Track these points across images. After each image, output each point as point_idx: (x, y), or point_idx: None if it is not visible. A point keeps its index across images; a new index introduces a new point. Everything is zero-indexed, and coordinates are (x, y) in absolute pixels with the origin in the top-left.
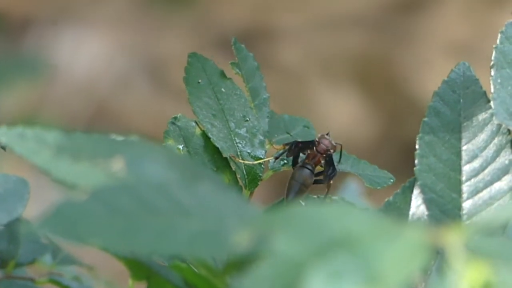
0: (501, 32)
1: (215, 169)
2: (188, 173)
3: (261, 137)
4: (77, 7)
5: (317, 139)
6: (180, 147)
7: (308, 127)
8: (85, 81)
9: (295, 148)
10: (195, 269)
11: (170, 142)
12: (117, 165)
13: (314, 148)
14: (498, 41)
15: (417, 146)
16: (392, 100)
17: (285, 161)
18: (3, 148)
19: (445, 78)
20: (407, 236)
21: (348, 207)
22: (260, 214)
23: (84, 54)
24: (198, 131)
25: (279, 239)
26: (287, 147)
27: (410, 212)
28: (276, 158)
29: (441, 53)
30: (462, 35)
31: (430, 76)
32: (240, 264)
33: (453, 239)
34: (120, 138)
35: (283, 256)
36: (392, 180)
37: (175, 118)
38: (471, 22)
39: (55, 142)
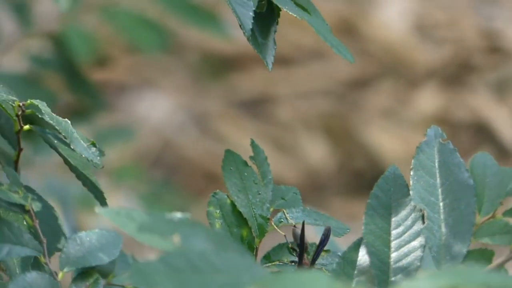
0: (418, 147)
1: (238, 226)
2: (220, 244)
3: (268, 205)
4: (153, 77)
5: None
6: (217, 211)
7: (296, 193)
8: (155, 127)
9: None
10: None
11: (211, 208)
12: (176, 239)
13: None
14: (415, 153)
15: (363, 217)
16: (347, 145)
17: (282, 221)
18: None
19: (382, 176)
20: None
21: (320, 275)
22: (264, 275)
23: (156, 110)
24: (229, 201)
25: None
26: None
27: (358, 259)
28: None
29: (378, 117)
30: (390, 105)
31: (371, 131)
32: None
33: None
34: (178, 217)
35: None
36: (348, 230)
37: (215, 193)
38: (397, 97)
39: (139, 219)
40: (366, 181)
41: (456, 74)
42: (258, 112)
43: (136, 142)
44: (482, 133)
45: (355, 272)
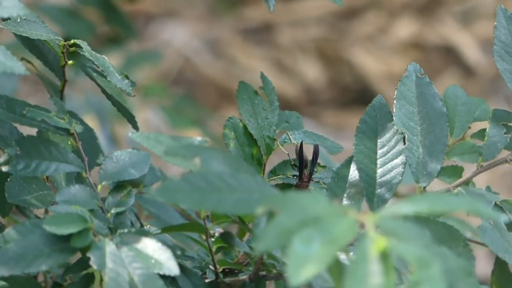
0: (400, 81)
1: (249, 146)
2: (234, 166)
3: (274, 127)
4: (175, 9)
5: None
6: (232, 133)
7: (298, 117)
8: (176, 51)
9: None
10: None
11: (227, 130)
12: (197, 161)
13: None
14: (398, 84)
15: (354, 139)
16: (337, 65)
17: (286, 141)
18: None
19: (370, 104)
20: (348, 216)
21: (318, 196)
22: (272, 193)
23: (177, 36)
24: (241, 124)
25: (280, 213)
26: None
27: (349, 174)
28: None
29: (362, 42)
30: (373, 32)
31: (357, 53)
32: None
33: (370, 220)
34: (198, 142)
35: (280, 224)
36: (342, 149)
37: (230, 117)
38: (378, 25)
39: (165, 142)
40: (352, 95)
41: (428, 6)
42: (262, 38)
43: (160, 64)
44: (450, 56)
45: (347, 185)
